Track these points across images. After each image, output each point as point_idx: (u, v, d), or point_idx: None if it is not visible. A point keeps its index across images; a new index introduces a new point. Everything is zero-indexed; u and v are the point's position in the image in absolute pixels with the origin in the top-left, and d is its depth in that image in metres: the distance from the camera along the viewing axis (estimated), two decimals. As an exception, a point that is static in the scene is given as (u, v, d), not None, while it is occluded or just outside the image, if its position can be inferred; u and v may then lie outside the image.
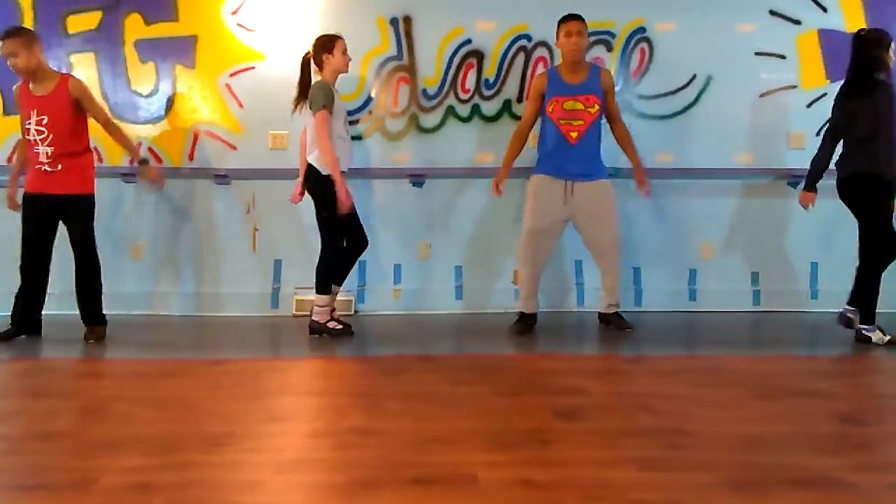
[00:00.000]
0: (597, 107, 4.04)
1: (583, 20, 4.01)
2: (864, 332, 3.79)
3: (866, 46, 3.77)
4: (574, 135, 4.02)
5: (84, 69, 4.65)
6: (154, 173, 4.17)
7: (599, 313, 4.27)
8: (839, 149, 3.92)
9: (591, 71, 4.09)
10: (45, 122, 3.80)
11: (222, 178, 4.70)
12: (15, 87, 3.91)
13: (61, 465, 2.10)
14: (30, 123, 3.81)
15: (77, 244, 3.91)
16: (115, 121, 4.14)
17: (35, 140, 3.82)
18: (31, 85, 3.84)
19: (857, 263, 3.84)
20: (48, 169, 3.82)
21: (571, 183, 4.05)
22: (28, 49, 3.74)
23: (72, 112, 3.84)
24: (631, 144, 4.22)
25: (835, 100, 3.94)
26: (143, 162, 4.11)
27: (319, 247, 4.00)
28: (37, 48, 3.80)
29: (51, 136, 3.81)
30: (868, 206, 3.77)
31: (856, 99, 3.77)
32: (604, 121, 4.18)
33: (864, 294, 3.79)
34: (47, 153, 3.81)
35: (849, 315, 3.86)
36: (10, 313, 3.93)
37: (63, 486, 1.95)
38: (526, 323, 4.16)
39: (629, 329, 4.11)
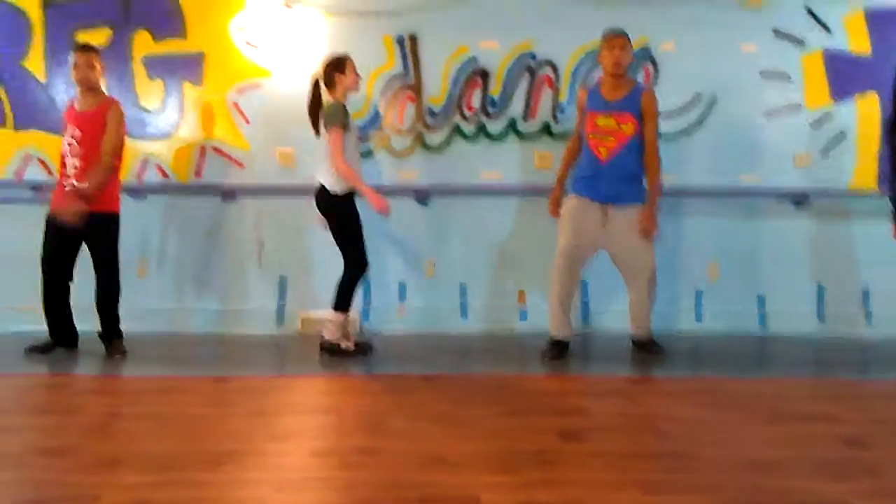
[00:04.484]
0: (631, 126, 3.86)
1: (626, 35, 3.90)
2: None
3: None
4: (603, 152, 3.88)
5: (93, 85, 4.68)
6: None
7: (634, 339, 4.11)
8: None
9: (633, 89, 3.93)
10: (78, 136, 3.89)
11: (229, 194, 4.72)
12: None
13: (62, 481, 2.10)
14: (66, 138, 3.92)
15: (102, 264, 3.94)
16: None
17: (65, 153, 3.91)
18: (76, 101, 3.97)
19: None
20: (76, 183, 3.85)
21: (606, 206, 3.89)
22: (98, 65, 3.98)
23: (104, 131, 3.94)
24: (650, 177, 3.92)
25: (887, 128, 3.90)
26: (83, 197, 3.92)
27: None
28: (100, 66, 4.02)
29: (81, 150, 3.88)
30: None
31: None
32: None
33: None
34: (75, 165, 3.88)
35: None
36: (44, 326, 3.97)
37: (63, 503, 1.95)
38: (559, 349, 3.99)
39: (660, 353, 4.00)
